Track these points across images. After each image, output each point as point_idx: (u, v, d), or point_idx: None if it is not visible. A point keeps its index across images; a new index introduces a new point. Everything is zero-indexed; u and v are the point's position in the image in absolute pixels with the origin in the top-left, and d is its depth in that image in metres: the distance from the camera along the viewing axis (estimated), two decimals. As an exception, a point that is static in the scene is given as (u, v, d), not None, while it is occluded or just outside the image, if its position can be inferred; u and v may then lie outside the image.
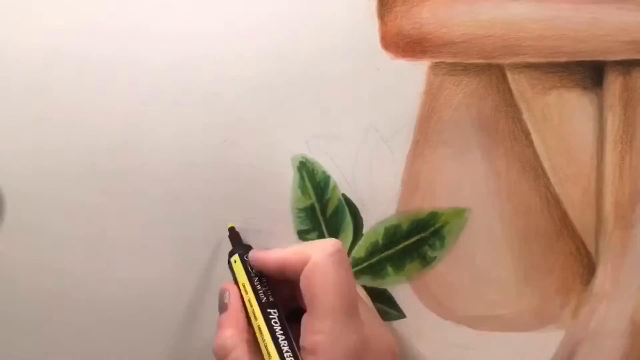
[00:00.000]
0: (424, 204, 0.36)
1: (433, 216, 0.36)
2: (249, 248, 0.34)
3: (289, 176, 0.36)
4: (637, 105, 0.34)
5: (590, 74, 0.35)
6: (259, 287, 0.32)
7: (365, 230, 0.36)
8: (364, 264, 0.36)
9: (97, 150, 0.35)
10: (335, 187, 0.36)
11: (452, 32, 0.34)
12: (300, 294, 0.30)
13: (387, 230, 0.36)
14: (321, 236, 0.36)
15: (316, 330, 0.29)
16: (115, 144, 0.35)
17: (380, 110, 0.35)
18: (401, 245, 0.36)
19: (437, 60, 0.35)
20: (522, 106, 0.35)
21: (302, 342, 0.29)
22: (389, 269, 0.36)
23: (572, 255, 0.36)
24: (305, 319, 0.30)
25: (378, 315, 0.35)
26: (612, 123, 0.35)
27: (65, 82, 0.35)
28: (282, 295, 0.33)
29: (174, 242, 0.36)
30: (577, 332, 0.36)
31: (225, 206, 0.36)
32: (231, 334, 0.31)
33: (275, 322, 0.31)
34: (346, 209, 0.36)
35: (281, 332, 0.30)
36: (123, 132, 0.35)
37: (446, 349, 0.37)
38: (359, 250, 0.36)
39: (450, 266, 0.36)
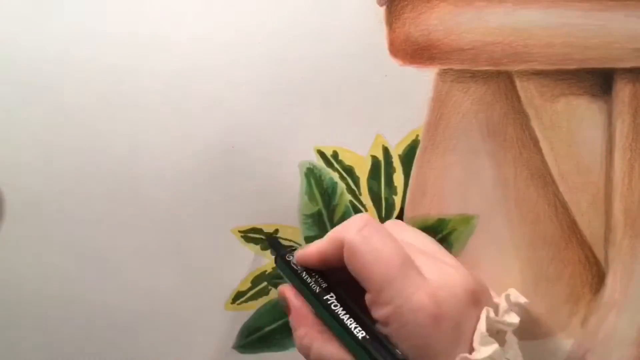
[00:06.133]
0: (432, 211, 0.36)
1: (441, 223, 0.36)
2: (291, 248, 0.35)
3: (297, 182, 0.36)
4: (646, 112, 0.34)
5: (599, 81, 0.35)
6: (308, 279, 0.32)
7: (372, 237, 0.36)
8: (371, 271, 0.36)
9: (102, 156, 0.35)
10: (342, 193, 0.36)
11: (460, 39, 0.34)
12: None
13: (394, 237, 0.36)
14: (328, 243, 0.36)
15: (380, 304, 0.28)
16: (121, 150, 0.35)
17: (388, 117, 0.35)
18: (408, 252, 0.36)
19: (445, 67, 0.35)
20: (531, 113, 0.35)
21: (374, 317, 0.29)
22: (396, 276, 0.36)
23: (580, 263, 0.36)
24: (367, 299, 0.29)
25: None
26: (621, 130, 0.34)
27: (71, 87, 0.35)
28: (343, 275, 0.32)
29: (180, 248, 0.36)
30: (586, 341, 0.36)
31: (232, 212, 0.36)
32: (304, 332, 0.31)
33: (335, 305, 0.30)
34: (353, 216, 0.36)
35: (343, 311, 0.30)
36: (129, 138, 0.35)
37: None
38: (366, 257, 0.36)
39: (457, 273, 0.36)
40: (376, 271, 0.28)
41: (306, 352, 0.31)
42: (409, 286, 0.28)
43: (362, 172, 0.36)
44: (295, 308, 0.32)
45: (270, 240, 0.36)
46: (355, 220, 0.30)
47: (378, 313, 0.28)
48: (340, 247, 0.30)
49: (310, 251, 0.32)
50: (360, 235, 0.29)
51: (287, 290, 0.33)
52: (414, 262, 0.29)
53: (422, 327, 0.27)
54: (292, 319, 0.32)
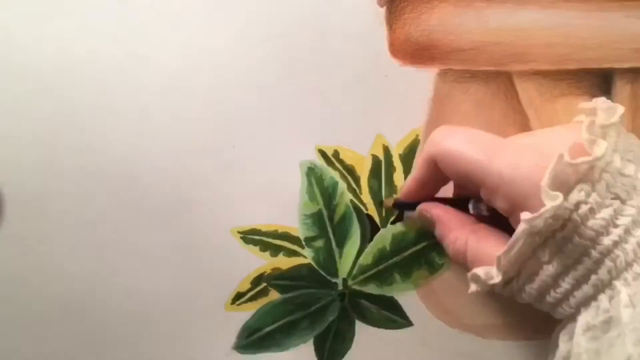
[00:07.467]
0: (432, 211, 0.36)
1: (441, 223, 0.36)
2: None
3: (297, 182, 0.36)
4: (646, 112, 0.34)
5: (598, 81, 0.35)
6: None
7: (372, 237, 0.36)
8: (372, 271, 0.36)
9: (102, 155, 0.35)
10: (343, 193, 0.36)
11: (460, 40, 0.34)
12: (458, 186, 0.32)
13: (394, 236, 0.36)
14: (328, 243, 0.36)
15: (495, 192, 0.28)
16: (121, 149, 0.35)
17: (389, 117, 0.35)
18: (409, 252, 0.36)
19: (446, 67, 0.35)
20: (530, 113, 0.35)
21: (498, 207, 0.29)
22: (397, 275, 0.36)
23: (580, 263, 0.36)
24: (483, 195, 0.29)
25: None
26: (621, 131, 0.35)
27: (72, 86, 0.35)
28: None
29: (180, 249, 0.36)
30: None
31: (233, 212, 0.36)
32: (455, 236, 0.31)
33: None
34: (354, 216, 0.36)
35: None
36: (130, 137, 0.35)
37: (453, 357, 0.36)
38: (367, 257, 0.36)
39: (457, 273, 0.36)
40: (474, 164, 0.28)
41: (461, 253, 0.30)
42: (509, 158, 0.27)
43: (363, 172, 0.36)
44: (440, 216, 0.32)
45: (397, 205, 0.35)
46: (434, 135, 0.31)
47: (499, 202, 0.28)
48: (433, 165, 0.30)
49: (410, 185, 0.33)
50: (444, 144, 0.30)
51: (426, 205, 0.33)
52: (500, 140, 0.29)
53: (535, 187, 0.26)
54: (440, 229, 0.32)
